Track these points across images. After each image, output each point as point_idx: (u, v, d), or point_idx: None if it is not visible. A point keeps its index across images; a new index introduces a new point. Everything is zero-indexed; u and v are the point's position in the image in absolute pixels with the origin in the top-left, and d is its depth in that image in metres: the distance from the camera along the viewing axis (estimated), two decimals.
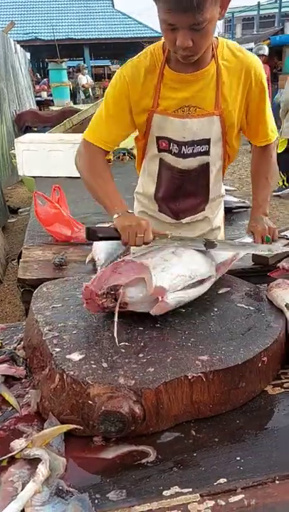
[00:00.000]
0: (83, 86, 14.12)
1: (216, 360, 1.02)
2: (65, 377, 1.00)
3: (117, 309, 1.13)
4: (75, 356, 1.05)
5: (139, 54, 1.47)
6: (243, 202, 3.35)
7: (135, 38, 23.41)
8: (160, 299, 1.14)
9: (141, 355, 1.05)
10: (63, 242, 2.76)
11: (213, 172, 1.61)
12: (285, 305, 1.21)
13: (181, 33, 1.22)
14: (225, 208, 3.21)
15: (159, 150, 1.57)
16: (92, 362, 1.03)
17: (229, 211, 3.27)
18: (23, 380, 1.19)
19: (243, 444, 0.96)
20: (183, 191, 1.65)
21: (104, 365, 1.02)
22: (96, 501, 0.84)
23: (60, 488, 0.87)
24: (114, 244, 2.08)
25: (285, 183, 6.41)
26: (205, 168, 1.58)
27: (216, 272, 1.32)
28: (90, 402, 0.96)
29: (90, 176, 1.50)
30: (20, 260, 2.50)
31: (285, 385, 1.13)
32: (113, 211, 1.39)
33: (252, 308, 1.24)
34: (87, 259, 2.35)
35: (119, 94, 1.47)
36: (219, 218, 1.84)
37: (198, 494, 0.85)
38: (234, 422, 1.02)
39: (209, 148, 1.53)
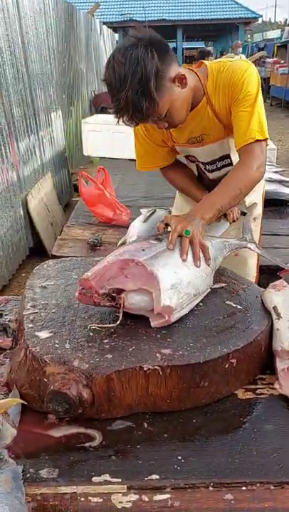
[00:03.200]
0: None
1: (178, 356, 0.99)
2: (28, 352, 1.03)
3: (121, 313, 1.07)
4: (44, 334, 1.07)
5: None
6: None
7: (231, 19, 22.68)
8: (166, 317, 1.08)
9: (106, 340, 1.05)
10: (105, 223, 2.81)
11: None
12: (273, 307, 1.13)
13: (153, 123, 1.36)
14: (278, 200, 3.08)
15: (191, 161, 1.67)
16: (57, 341, 1.05)
17: (284, 204, 3.12)
18: (7, 351, 1.24)
19: (190, 444, 0.93)
20: None
21: (67, 345, 1.03)
22: (28, 475, 0.87)
23: (1, 457, 0.91)
24: (148, 231, 2.07)
25: None
26: None
27: (212, 282, 1.26)
28: (45, 379, 0.98)
29: (173, 184, 1.75)
30: (58, 237, 2.60)
31: (257, 391, 1.07)
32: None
33: (239, 307, 1.18)
34: (120, 242, 2.38)
35: (138, 136, 1.61)
36: (253, 196, 1.75)
37: (125, 486, 0.84)
38: (191, 421, 0.99)
39: (231, 160, 1.57)
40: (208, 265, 1.24)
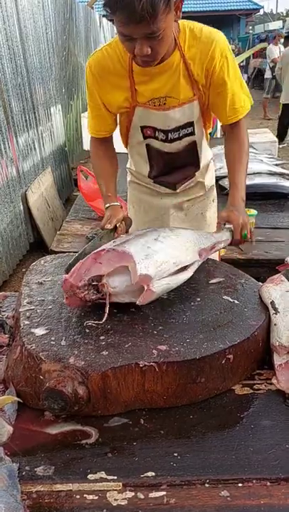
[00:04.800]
0: None
1: (174, 352, 0.99)
2: (23, 349, 1.02)
3: (107, 302, 1.08)
4: (40, 331, 1.07)
5: (106, 43, 1.46)
6: None
7: (232, 11, 22.50)
8: (146, 287, 1.08)
9: (102, 337, 1.04)
10: None
11: (201, 145, 1.65)
12: (271, 302, 1.13)
13: (138, 42, 1.20)
14: (279, 193, 3.06)
15: (145, 137, 1.57)
16: (53, 338, 1.04)
17: (284, 197, 3.09)
18: (4, 348, 1.24)
19: (186, 440, 0.93)
20: (175, 166, 1.67)
21: (63, 343, 1.03)
22: (23, 473, 0.87)
23: None
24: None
25: None
26: (193, 145, 1.60)
27: (199, 257, 1.25)
28: (40, 377, 0.98)
29: (94, 162, 1.64)
30: (58, 232, 2.59)
31: (255, 387, 1.06)
32: (106, 201, 1.52)
33: (237, 302, 1.17)
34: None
35: (91, 92, 1.50)
36: (210, 178, 1.83)
37: (120, 483, 0.84)
38: (188, 417, 0.99)
39: (194, 128, 1.55)
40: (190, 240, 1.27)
